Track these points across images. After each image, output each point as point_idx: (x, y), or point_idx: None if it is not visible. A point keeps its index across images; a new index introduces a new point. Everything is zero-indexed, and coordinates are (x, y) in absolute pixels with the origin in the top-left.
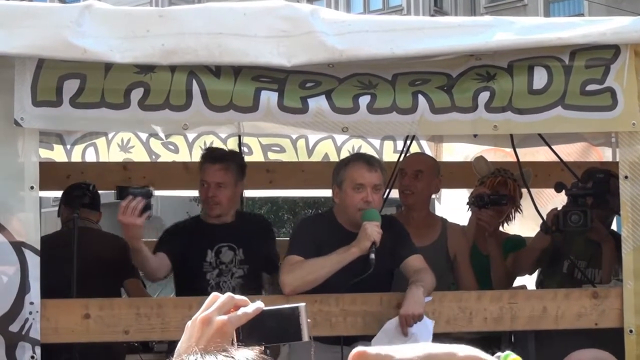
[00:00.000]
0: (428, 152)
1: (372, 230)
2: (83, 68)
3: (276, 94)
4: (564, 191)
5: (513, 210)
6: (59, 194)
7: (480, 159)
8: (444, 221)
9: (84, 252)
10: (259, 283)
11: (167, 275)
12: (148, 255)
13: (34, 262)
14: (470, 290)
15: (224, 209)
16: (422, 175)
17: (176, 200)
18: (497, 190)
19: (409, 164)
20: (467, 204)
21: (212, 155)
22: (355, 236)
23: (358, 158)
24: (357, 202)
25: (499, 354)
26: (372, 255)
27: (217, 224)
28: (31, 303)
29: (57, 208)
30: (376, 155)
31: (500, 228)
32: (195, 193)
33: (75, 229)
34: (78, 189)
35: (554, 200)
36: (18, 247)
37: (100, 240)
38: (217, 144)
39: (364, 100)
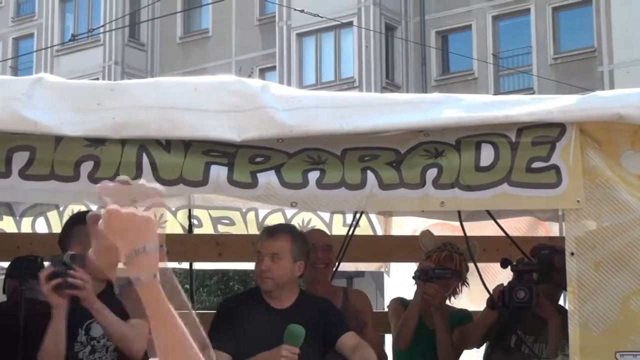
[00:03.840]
0: (377, 225)
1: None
2: (33, 140)
3: (226, 168)
4: (509, 267)
5: (459, 284)
6: (6, 264)
7: (426, 234)
8: (344, 290)
9: (32, 323)
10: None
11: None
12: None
13: None
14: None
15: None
16: (329, 249)
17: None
18: (442, 264)
19: (317, 238)
20: (413, 277)
21: None
22: (281, 314)
23: (267, 228)
24: (257, 271)
25: None
26: None
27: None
28: None
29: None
30: (325, 229)
31: (448, 302)
32: None
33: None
34: (24, 260)
35: (502, 274)
36: None
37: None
38: (167, 216)
39: (313, 176)
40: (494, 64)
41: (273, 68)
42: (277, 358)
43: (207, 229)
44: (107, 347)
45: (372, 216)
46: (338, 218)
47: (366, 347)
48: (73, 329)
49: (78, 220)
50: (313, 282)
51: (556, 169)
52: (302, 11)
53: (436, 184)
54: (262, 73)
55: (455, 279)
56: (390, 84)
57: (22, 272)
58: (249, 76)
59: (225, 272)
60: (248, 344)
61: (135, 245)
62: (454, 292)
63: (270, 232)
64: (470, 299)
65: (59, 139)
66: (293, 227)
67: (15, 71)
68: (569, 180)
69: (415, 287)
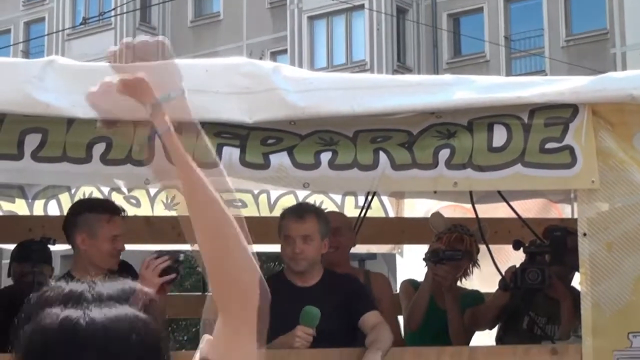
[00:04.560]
0: (389, 208)
1: (301, 340)
2: (45, 122)
3: (238, 149)
4: (521, 249)
5: (470, 266)
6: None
7: (436, 215)
8: (366, 272)
9: None
10: None
11: None
12: None
13: None
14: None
15: None
16: (339, 231)
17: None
18: (453, 246)
19: None
20: (423, 259)
21: None
22: (307, 292)
23: (290, 209)
24: (287, 253)
25: None
26: None
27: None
28: None
29: None
30: (337, 210)
31: (459, 283)
32: (156, 247)
33: (34, 282)
34: (35, 244)
35: (514, 256)
36: None
37: None
38: (179, 198)
39: (325, 157)
40: (506, 47)
41: (284, 51)
42: (293, 339)
43: None
44: None
45: (384, 198)
46: (350, 200)
47: (384, 328)
48: None
49: (83, 209)
50: (331, 266)
51: (570, 149)
52: None
53: (449, 164)
54: (274, 56)
55: (466, 260)
56: (401, 67)
57: (32, 255)
58: (260, 59)
59: None
60: (275, 325)
61: (162, 92)
62: (465, 274)
63: (298, 214)
64: (483, 280)
65: (70, 121)
66: (315, 206)
67: (27, 55)
68: (584, 161)
69: (426, 269)
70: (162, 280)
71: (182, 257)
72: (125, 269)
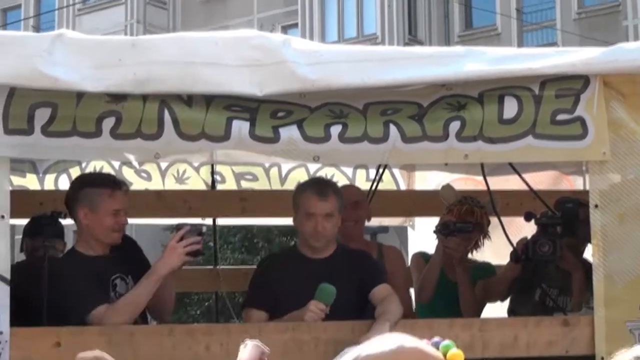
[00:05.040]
0: (400, 180)
1: (313, 314)
2: (54, 97)
3: (248, 123)
4: (533, 220)
5: (481, 238)
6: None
7: (447, 188)
8: (379, 245)
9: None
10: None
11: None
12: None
13: (2, 291)
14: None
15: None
16: (358, 205)
17: (149, 229)
18: (463, 218)
19: (346, 196)
20: (434, 232)
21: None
22: (319, 263)
23: (311, 186)
24: (308, 230)
25: (436, 339)
26: None
27: (102, 256)
28: (0, 332)
29: None
30: (348, 183)
31: (470, 255)
32: (168, 222)
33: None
34: (43, 218)
35: (526, 228)
36: None
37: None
38: (190, 172)
39: (336, 130)
40: (518, 19)
41: (295, 25)
42: (305, 313)
43: (230, 185)
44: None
45: (396, 171)
46: (361, 173)
47: (393, 300)
48: (105, 285)
49: (84, 183)
50: (346, 239)
51: (581, 120)
52: None
53: (459, 136)
54: (285, 30)
55: (477, 232)
56: (412, 40)
57: (44, 230)
58: (272, 30)
59: (249, 229)
60: (287, 297)
61: None
62: (476, 246)
63: (321, 192)
64: (495, 252)
65: (80, 95)
66: (333, 182)
67: (38, 30)
68: (595, 132)
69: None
70: (188, 259)
71: (204, 229)
72: (129, 244)
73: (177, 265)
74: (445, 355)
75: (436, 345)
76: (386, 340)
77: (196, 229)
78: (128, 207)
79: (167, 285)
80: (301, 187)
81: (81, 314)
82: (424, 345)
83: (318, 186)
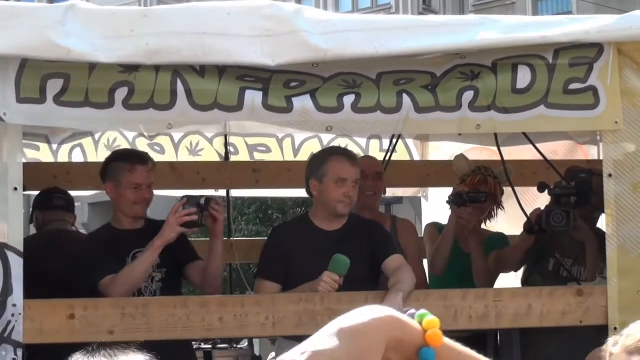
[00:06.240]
0: (414, 150)
1: (327, 285)
2: (67, 68)
3: (261, 93)
4: (547, 191)
5: (495, 208)
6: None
7: (460, 158)
8: (393, 218)
9: (66, 253)
10: (178, 282)
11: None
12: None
13: (17, 264)
14: (418, 284)
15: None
16: (379, 176)
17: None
18: (477, 188)
19: (368, 166)
20: (447, 202)
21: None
22: (331, 235)
23: (338, 152)
24: (338, 196)
25: (412, 310)
26: None
27: (130, 230)
28: (14, 305)
29: None
30: (362, 154)
31: (484, 226)
32: (181, 193)
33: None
34: (53, 192)
35: (540, 198)
36: (1, 249)
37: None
38: (203, 144)
39: (349, 100)
40: None
41: None
42: (318, 284)
43: (243, 156)
44: (153, 278)
45: (409, 141)
46: (374, 143)
47: (406, 270)
48: (122, 258)
49: (112, 158)
50: (361, 210)
51: (594, 90)
52: None
53: (472, 106)
54: (298, 1)
55: (490, 202)
56: (427, 10)
57: (53, 203)
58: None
59: (263, 201)
60: (300, 269)
61: None
62: (489, 216)
63: (351, 158)
64: (509, 223)
65: (92, 66)
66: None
67: (51, 1)
68: (607, 102)
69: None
70: (182, 230)
71: (203, 201)
72: (150, 226)
73: (170, 237)
74: (421, 323)
75: (412, 316)
76: (360, 312)
77: (194, 201)
78: (152, 182)
79: (213, 258)
80: (325, 153)
81: (91, 283)
82: (398, 313)
83: (346, 152)
